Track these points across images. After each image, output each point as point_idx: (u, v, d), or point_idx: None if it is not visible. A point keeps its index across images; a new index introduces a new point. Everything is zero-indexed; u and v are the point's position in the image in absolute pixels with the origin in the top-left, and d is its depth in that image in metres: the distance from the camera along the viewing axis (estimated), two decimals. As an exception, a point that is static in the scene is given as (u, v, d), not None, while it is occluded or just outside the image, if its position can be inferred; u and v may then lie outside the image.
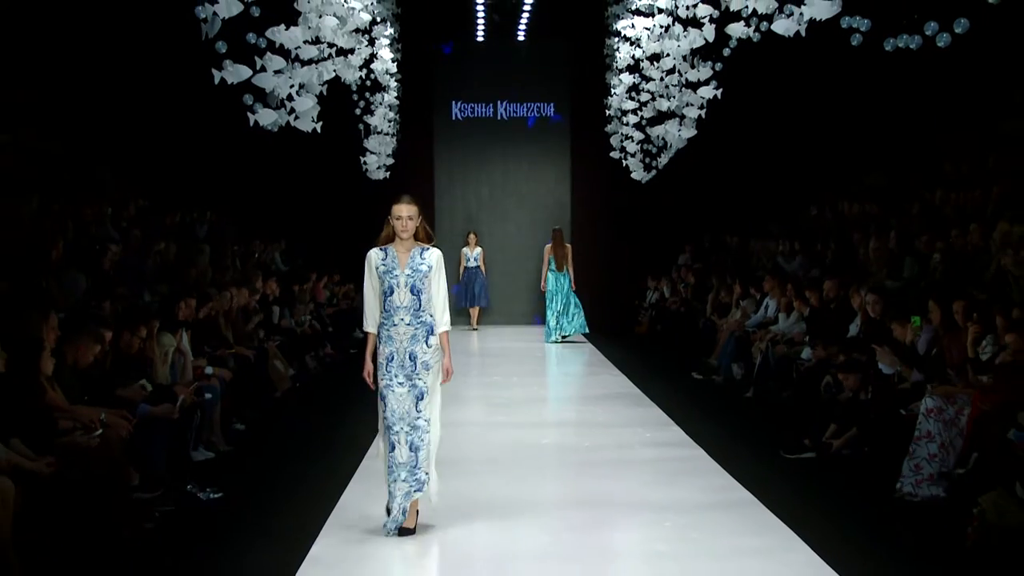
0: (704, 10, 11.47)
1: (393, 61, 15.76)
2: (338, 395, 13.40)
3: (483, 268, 21.17)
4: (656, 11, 12.86)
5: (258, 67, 9.66)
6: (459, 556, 6.59)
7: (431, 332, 6.90)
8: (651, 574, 6.24)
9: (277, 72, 9.83)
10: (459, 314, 20.64)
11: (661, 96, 14.11)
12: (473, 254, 21.19)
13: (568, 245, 18.99)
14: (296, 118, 10.25)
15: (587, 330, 18.89)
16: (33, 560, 5.83)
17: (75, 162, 13.82)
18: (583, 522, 7.28)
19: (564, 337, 18.62)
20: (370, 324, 7.03)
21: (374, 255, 7.16)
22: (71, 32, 15.53)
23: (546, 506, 7.70)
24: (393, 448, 6.87)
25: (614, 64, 16.29)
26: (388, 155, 17.76)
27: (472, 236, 21.33)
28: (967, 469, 7.50)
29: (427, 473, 6.86)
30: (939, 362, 8.66)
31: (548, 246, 18.89)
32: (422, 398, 6.86)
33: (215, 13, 8.79)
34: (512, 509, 7.56)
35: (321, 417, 11.82)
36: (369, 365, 7.03)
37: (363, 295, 7.12)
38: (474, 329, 20.71)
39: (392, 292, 6.93)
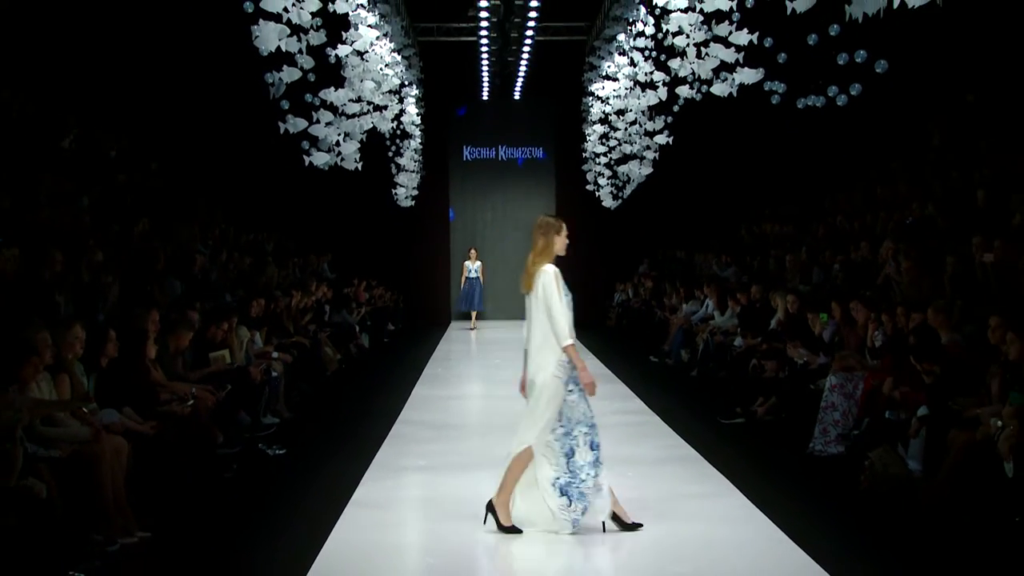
0: (658, 76, 11.50)
1: (418, 115, 15.82)
2: (375, 374, 13.43)
3: (482, 279, 20.43)
4: (621, 76, 12.90)
5: (313, 120, 9.69)
6: (468, 500, 6.59)
7: None
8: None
9: (328, 124, 9.86)
10: (461, 317, 20.66)
11: (625, 142, 14.15)
12: (474, 266, 20.43)
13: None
14: (342, 159, 10.28)
15: None
16: (141, 502, 5.84)
17: (174, 194, 13.88)
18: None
19: None
20: (572, 335, 5.51)
21: (558, 271, 5.67)
22: (173, 94, 15.65)
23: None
24: (574, 453, 5.47)
25: (588, 117, 16.32)
26: (414, 188, 17.82)
27: (473, 251, 20.63)
28: (860, 431, 7.52)
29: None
30: (840, 348, 8.67)
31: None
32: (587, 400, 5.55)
33: (280, 78, 8.82)
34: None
35: (362, 391, 11.82)
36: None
37: (555, 309, 5.45)
38: (473, 329, 19.81)
39: None
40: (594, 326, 19.58)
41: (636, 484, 6.76)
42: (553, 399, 5.45)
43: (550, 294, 5.45)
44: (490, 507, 5.66)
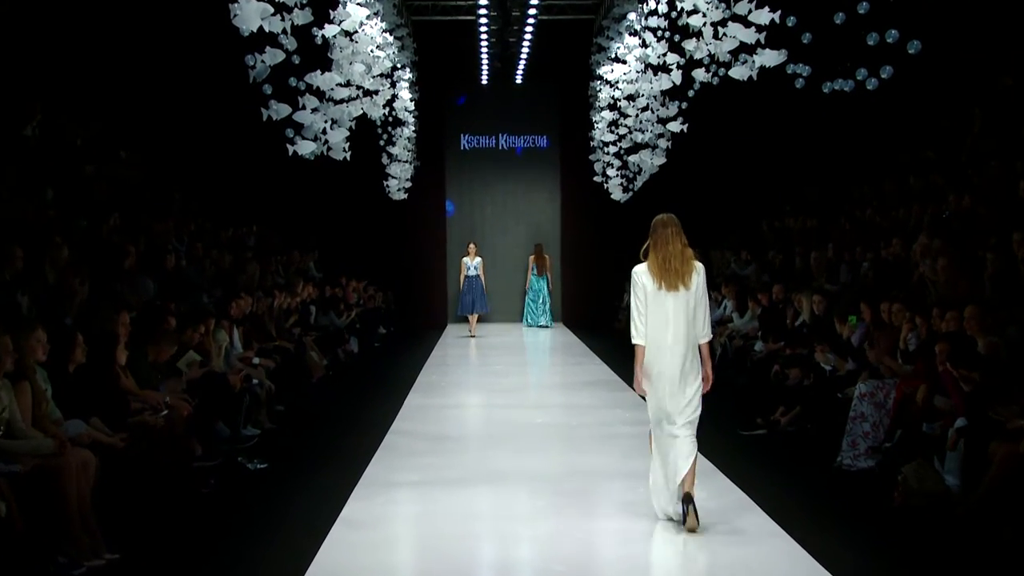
0: (672, 58, 11.47)
1: (411, 100, 15.78)
2: (365, 381, 13.41)
3: (483, 277, 19.80)
4: (632, 59, 12.87)
5: (299, 106, 9.67)
6: (466, 517, 6.58)
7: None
8: (627, 530, 6.24)
9: (314, 110, 9.83)
10: (460, 319, 20.42)
11: (636, 130, 14.12)
12: (473, 263, 19.79)
13: (547, 256, 21.03)
14: (329, 148, 10.25)
15: (551, 324, 20.66)
16: (110, 521, 5.82)
17: (147, 186, 13.87)
18: (571, 488, 7.28)
19: (540, 326, 20.48)
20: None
21: None
22: (145, 77, 15.62)
23: (539, 475, 7.69)
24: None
25: (596, 103, 16.30)
26: (407, 180, 17.78)
27: (472, 246, 20.04)
28: (893, 443, 7.49)
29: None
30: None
31: (531, 256, 20.88)
32: None
33: (263, 61, 8.80)
34: (511, 477, 7.58)
35: (350, 400, 11.80)
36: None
37: (707, 307, 6.23)
38: (472, 336, 19.26)
39: None
40: (602, 328, 19.58)
41: (647, 499, 6.73)
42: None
43: (704, 291, 6.21)
44: (690, 500, 6.05)
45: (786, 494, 7.01)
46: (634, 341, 6.15)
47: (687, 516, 6.02)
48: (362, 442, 8.78)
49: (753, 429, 9.33)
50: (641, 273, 6.18)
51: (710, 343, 6.31)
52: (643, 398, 6.37)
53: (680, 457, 6.14)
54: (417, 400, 11.45)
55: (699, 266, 6.22)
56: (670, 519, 6.19)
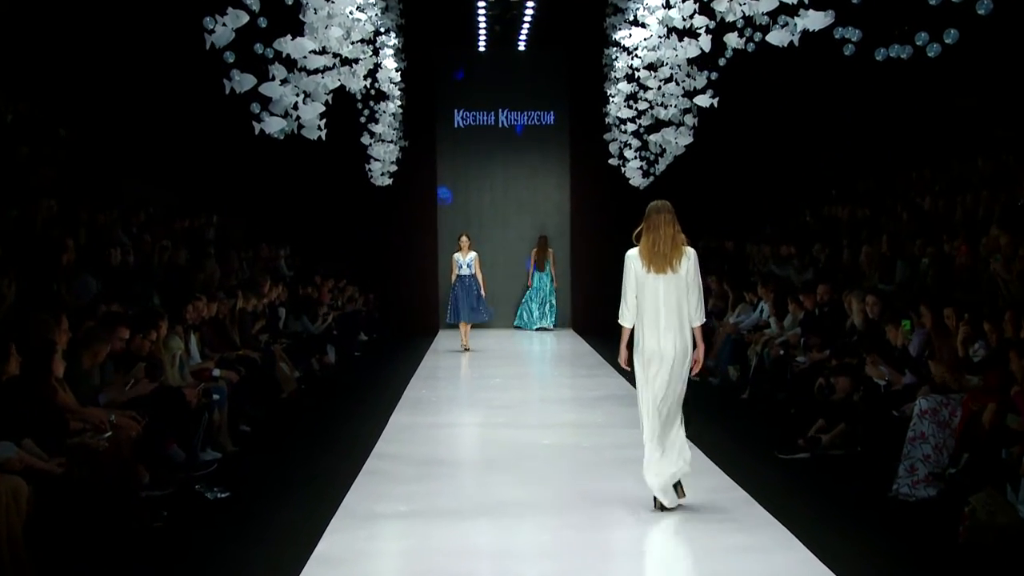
0: (701, 21, 11.45)
1: (397, 71, 15.75)
2: (343, 397, 13.39)
3: (480, 276, 18.00)
4: (654, 22, 12.84)
5: (270, 77, 9.64)
6: (461, 554, 6.56)
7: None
8: (649, 573, 6.22)
9: (283, 81, 9.82)
10: (452, 327, 19.51)
11: (659, 105, 14.10)
12: (466, 260, 17.92)
13: (551, 250, 21.42)
14: (301, 126, 10.24)
15: (553, 325, 21.33)
16: (45, 558, 5.80)
17: (88, 170, 13.86)
18: (582, 521, 7.24)
19: (542, 328, 21.17)
20: None
21: None
22: (86, 43, 15.59)
23: (546, 505, 7.66)
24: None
25: (612, 73, 16.28)
26: (392, 162, 17.77)
27: (464, 238, 18.11)
28: (957, 469, 7.46)
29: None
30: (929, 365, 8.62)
31: (534, 250, 21.38)
32: None
33: (224, 24, 8.78)
34: (512, 508, 7.55)
35: (326, 418, 11.79)
36: None
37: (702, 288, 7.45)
38: (465, 349, 17.87)
39: None
40: (618, 334, 19.52)
41: (673, 534, 6.72)
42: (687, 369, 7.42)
43: (696, 275, 7.37)
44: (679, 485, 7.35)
45: (833, 528, 6.97)
46: (620, 321, 7.45)
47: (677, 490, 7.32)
48: (340, 467, 8.75)
49: (794, 452, 9.30)
50: (633, 257, 7.35)
51: (703, 327, 7.40)
52: (628, 371, 7.57)
53: (672, 431, 7.35)
54: (404, 418, 11.44)
55: (690, 251, 7.35)
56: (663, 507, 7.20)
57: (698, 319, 7.31)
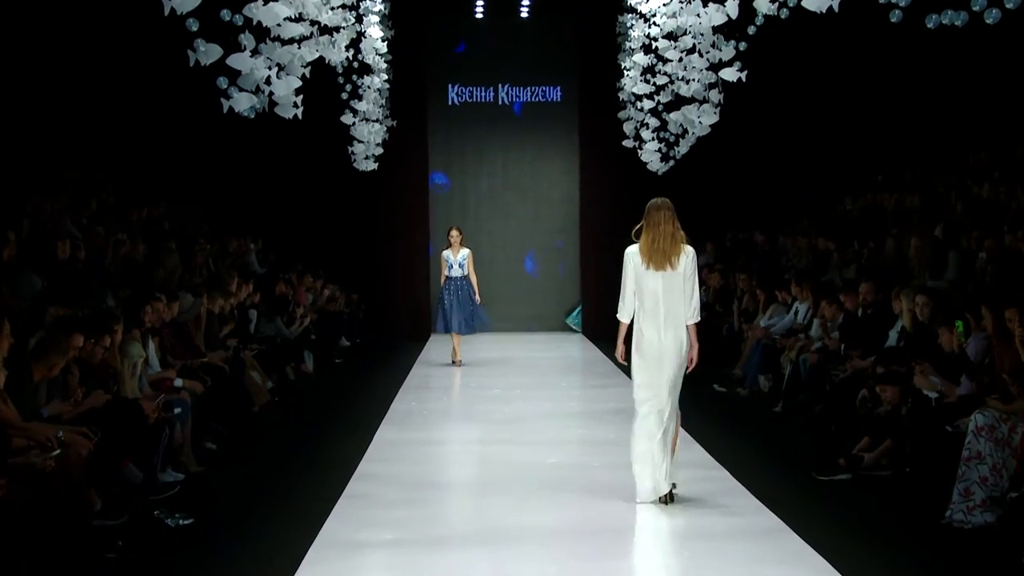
0: (727, -16, 11.45)
1: (383, 40, 15.73)
2: (322, 410, 13.39)
3: (473, 278, 17.14)
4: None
5: (242, 47, 9.63)
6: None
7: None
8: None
9: (254, 52, 9.81)
10: (439, 338, 19.53)
11: (680, 79, 14.09)
12: (457, 259, 17.03)
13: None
14: (275, 103, 10.24)
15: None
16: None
17: (32, 153, 13.85)
18: (593, 551, 7.24)
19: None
20: None
21: None
22: (24, 14, 15.57)
23: (552, 532, 7.67)
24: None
25: (627, 43, 16.27)
26: (377, 144, 17.75)
27: (455, 233, 17.17)
28: (1020, 493, 7.45)
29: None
30: (991, 374, 8.59)
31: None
32: None
33: (186, -12, 8.78)
34: (513, 535, 7.55)
35: (303, 434, 11.78)
36: None
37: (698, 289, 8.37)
38: (457, 363, 17.19)
39: None
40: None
41: (696, 566, 6.71)
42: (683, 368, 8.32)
43: (694, 273, 8.26)
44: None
45: (879, 560, 6.97)
46: (618, 316, 8.32)
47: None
48: (319, 490, 8.75)
49: (834, 473, 9.29)
50: (632, 253, 8.19)
51: (698, 324, 8.32)
52: (625, 365, 8.35)
53: (670, 425, 8.13)
54: (390, 434, 11.44)
55: (689, 249, 8.18)
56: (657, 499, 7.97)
57: (694, 317, 8.25)
